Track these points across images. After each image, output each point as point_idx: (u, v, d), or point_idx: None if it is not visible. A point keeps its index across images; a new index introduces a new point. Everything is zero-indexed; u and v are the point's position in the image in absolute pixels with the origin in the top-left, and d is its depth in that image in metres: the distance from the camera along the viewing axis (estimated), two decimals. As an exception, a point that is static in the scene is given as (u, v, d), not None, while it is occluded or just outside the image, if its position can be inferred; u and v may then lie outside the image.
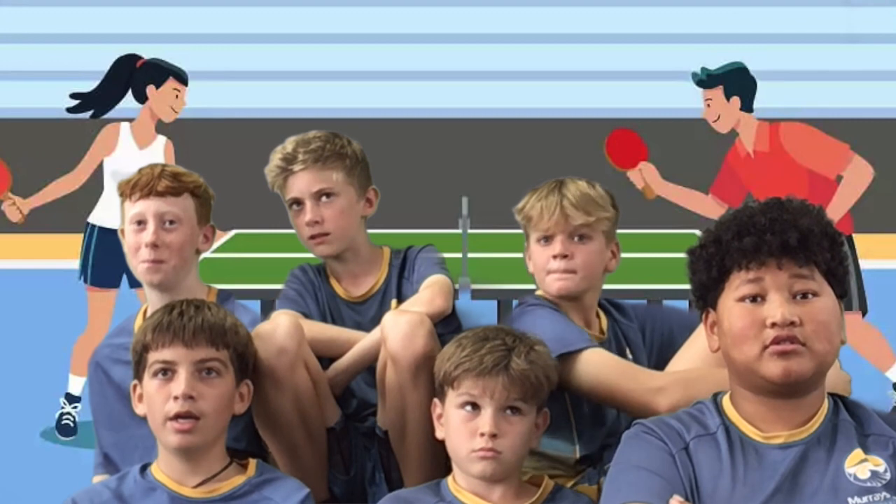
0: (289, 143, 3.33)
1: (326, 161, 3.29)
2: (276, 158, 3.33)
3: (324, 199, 3.28)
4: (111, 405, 3.12)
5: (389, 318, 3.02)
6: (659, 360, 3.08)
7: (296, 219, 3.32)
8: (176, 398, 2.64)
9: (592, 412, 3.05)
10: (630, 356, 3.12)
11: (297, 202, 3.30)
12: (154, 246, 3.06)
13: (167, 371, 2.68)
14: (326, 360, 3.22)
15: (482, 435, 2.61)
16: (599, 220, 3.08)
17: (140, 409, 2.74)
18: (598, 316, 3.16)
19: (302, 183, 3.29)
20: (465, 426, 2.64)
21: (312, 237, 3.29)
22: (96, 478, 3.07)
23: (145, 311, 3.15)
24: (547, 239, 3.07)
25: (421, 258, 3.34)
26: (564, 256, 3.04)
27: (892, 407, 5.93)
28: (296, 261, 3.45)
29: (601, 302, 3.19)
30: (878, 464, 2.27)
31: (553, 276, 3.05)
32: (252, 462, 2.76)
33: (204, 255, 3.26)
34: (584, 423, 3.07)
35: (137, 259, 3.10)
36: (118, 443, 3.11)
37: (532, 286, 3.44)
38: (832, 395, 2.37)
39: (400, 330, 2.97)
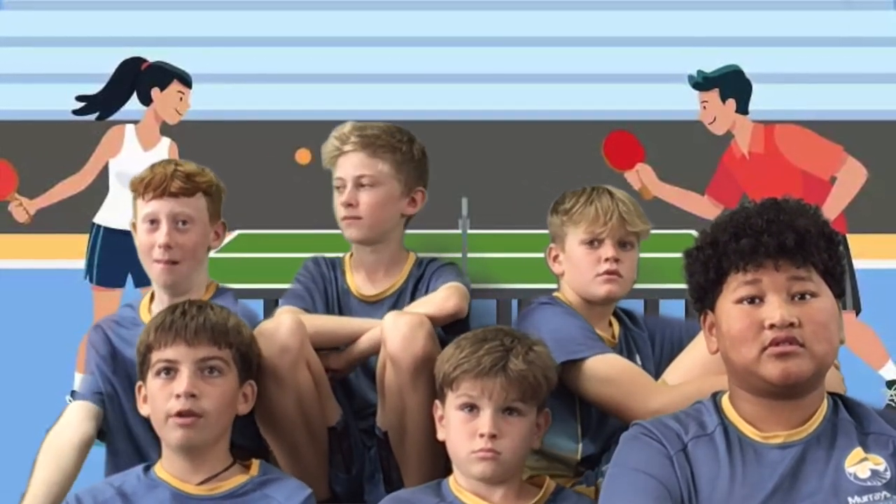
0: (347, 125, 3.34)
1: (377, 150, 3.28)
2: (332, 136, 3.32)
3: (364, 185, 3.27)
4: (101, 361, 3.11)
5: (389, 320, 3.02)
6: (667, 369, 3.08)
7: (337, 199, 3.30)
8: (178, 396, 2.65)
9: (599, 412, 3.06)
10: (639, 363, 3.13)
11: (341, 184, 3.29)
12: (168, 247, 3.05)
13: (170, 370, 2.68)
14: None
15: (481, 436, 2.61)
16: (646, 231, 3.13)
17: (144, 409, 2.76)
18: (610, 323, 3.19)
19: (348, 165, 3.28)
20: (464, 427, 2.65)
21: (345, 218, 3.28)
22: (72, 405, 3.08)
23: (152, 295, 3.17)
24: (593, 242, 3.08)
25: (440, 271, 3.33)
26: (617, 260, 3.05)
27: (885, 404, 5.98)
28: (298, 261, 3.44)
29: (614, 309, 3.21)
30: (879, 463, 2.26)
31: (602, 278, 3.06)
32: (255, 462, 2.76)
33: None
34: (589, 422, 3.08)
35: (151, 259, 3.09)
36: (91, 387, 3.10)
37: (534, 286, 3.48)
38: (831, 395, 2.36)
39: (399, 331, 2.97)
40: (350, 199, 3.26)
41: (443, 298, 3.18)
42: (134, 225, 3.16)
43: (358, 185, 3.27)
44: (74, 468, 2.93)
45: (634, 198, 3.26)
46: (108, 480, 2.76)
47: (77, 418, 3.02)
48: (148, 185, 3.10)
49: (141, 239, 3.11)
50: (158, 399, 2.68)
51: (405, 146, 3.32)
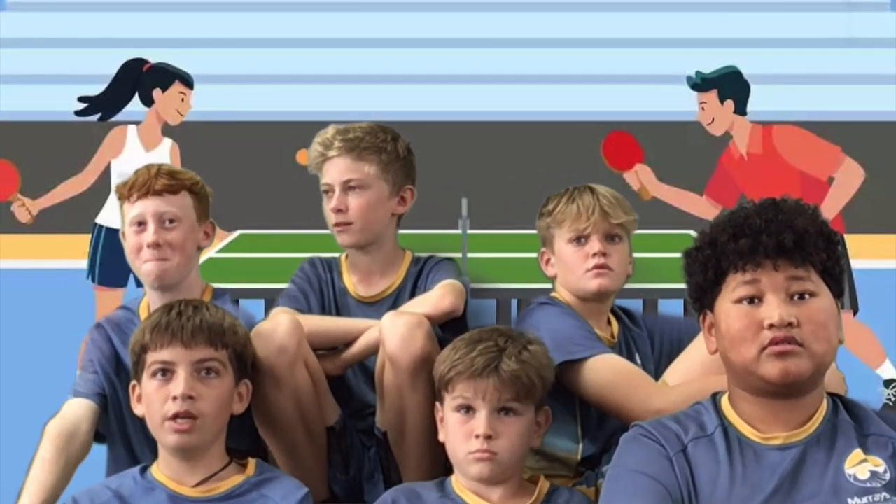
0: (330, 129, 3.30)
1: (362, 152, 3.25)
2: (315, 142, 3.29)
3: (352, 189, 3.25)
4: (103, 357, 3.10)
5: (388, 320, 3.01)
6: (667, 369, 3.08)
7: (326, 205, 3.29)
8: (175, 398, 2.64)
9: (599, 412, 3.05)
10: (639, 362, 3.13)
11: (328, 189, 3.27)
12: (156, 245, 3.04)
13: (166, 371, 2.67)
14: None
15: (477, 437, 2.61)
16: (632, 221, 3.13)
17: (139, 409, 2.74)
18: (609, 322, 3.19)
19: (334, 170, 3.26)
20: (460, 429, 2.64)
21: (336, 224, 3.26)
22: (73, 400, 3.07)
23: (148, 304, 3.16)
24: (580, 239, 3.09)
25: (437, 267, 3.32)
26: (604, 254, 3.06)
27: (882, 404, 6.01)
28: (299, 261, 3.43)
29: (613, 308, 3.21)
30: (878, 464, 2.25)
31: (592, 273, 3.06)
32: (251, 462, 2.75)
33: (209, 254, 3.23)
34: (589, 422, 3.09)
35: (140, 260, 3.08)
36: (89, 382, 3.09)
37: (534, 285, 3.49)
38: (831, 395, 2.36)
39: (398, 332, 2.96)
40: (339, 204, 3.24)
41: (438, 297, 3.17)
42: (123, 234, 3.15)
43: (346, 189, 3.25)
44: (73, 471, 2.92)
45: (633, 198, 3.27)
46: (104, 483, 2.75)
47: (84, 417, 3.00)
48: (133, 187, 3.10)
49: (129, 242, 3.11)
50: (155, 401, 2.67)
51: (390, 145, 3.30)
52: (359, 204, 3.25)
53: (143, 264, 3.08)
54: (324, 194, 3.31)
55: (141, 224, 3.08)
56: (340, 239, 3.29)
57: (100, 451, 3.15)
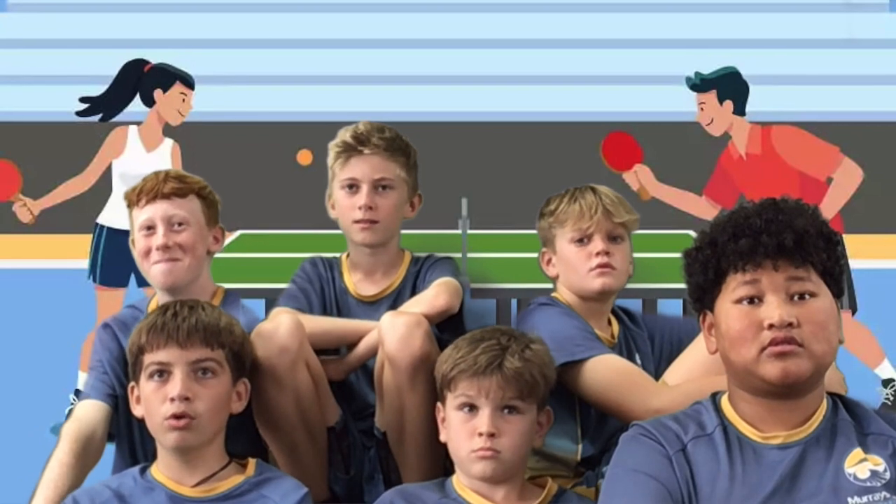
0: (362, 124, 3.28)
1: (394, 153, 3.26)
2: (346, 135, 3.27)
3: (381, 188, 3.25)
4: (112, 356, 3.11)
5: (387, 320, 3.01)
6: (667, 369, 3.07)
7: (345, 200, 3.27)
8: (172, 399, 2.63)
9: (599, 412, 3.06)
10: (639, 362, 3.13)
11: (353, 184, 3.26)
12: (166, 247, 3.06)
13: (163, 372, 2.67)
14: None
15: (480, 435, 2.60)
16: (633, 221, 3.13)
17: (138, 410, 2.74)
18: (609, 322, 3.19)
19: (366, 166, 3.24)
20: (463, 427, 2.64)
21: (359, 221, 3.25)
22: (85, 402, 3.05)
23: (157, 304, 3.13)
24: (582, 240, 3.09)
25: (434, 266, 3.32)
26: (607, 253, 3.06)
27: (881, 403, 6.03)
28: (299, 261, 3.44)
29: (613, 308, 3.21)
30: (878, 463, 2.25)
31: (595, 272, 3.07)
32: (251, 462, 2.75)
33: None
34: (589, 423, 3.09)
35: (150, 262, 3.09)
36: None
37: (534, 285, 3.50)
38: (831, 395, 2.35)
39: (397, 332, 2.96)
40: (370, 201, 3.23)
41: (433, 296, 3.17)
42: (133, 241, 3.16)
43: (375, 187, 3.25)
44: (87, 475, 2.91)
45: (632, 199, 3.28)
46: (104, 482, 2.74)
47: (100, 421, 2.99)
48: (141, 192, 3.12)
49: (139, 246, 3.12)
50: (153, 402, 2.67)
51: (411, 150, 3.33)
52: (387, 203, 3.26)
53: (153, 266, 3.09)
54: (341, 189, 3.29)
55: (150, 228, 3.10)
56: (362, 236, 3.27)
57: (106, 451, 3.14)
